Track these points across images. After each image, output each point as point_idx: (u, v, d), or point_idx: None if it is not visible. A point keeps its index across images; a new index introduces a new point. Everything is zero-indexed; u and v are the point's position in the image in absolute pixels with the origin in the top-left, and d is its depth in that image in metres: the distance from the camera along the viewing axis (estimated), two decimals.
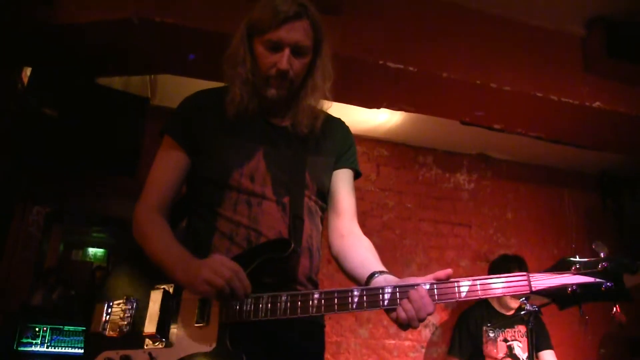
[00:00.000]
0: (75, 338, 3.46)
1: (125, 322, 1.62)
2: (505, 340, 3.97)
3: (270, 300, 1.51)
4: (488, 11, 3.61)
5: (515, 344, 3.95)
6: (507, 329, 3.99)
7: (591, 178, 5.63)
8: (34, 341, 3.39)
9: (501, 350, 3.95)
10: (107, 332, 1.64)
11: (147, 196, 1.76)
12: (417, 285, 1.44)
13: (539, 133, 4.25)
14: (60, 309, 3.69)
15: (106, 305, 1.68)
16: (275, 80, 1.70)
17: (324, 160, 1.83)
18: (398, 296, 1.44)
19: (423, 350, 4.71)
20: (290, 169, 1.74)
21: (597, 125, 3.98)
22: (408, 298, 1.43)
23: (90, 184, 3.88)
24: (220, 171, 1.71)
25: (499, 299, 4.09)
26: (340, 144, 1.89)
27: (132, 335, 1.60)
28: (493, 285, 1.43)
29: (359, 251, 1.73)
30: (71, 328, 3.47)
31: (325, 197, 1.83)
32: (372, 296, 1.47)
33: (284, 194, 1.71)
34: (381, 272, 1.58)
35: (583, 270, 1.40)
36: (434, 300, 1.43)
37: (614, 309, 1.32)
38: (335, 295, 1.48)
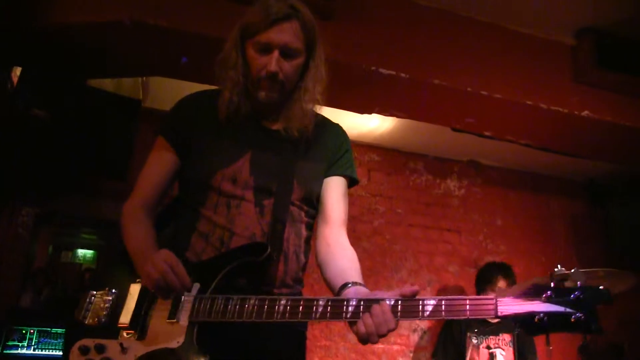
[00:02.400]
0: (63, 340, 3.43)
1: (105, 312, 1.66)
2: (488, 347, 3.97)
3: (239, 302, 1.51)
4: (480, 19, 3.63)
5: (497, 352, 3.95)
6: (491, 337, 4.00)
7: (579, 186, 5.68)
8: (20, 344, 3.36)
9: (483, 357, 3.96)
10: (86, 321, 1.67)
11: (134, 194, 1.80)
12: (382, 300, 1.42)
13: (528, 141, 4.28)
14: (48, 310, 3.67)
15: (89, 294, 1.71)
16: (266, 82, 1.70)
17: (314, 166, 1.82)
18: (361, 310, 1.43)
19: (411, 355, 4.72)
20: (277, 173, 1.74)
21: (586, 134, 4.01)
22: (370, 312, 1.41)
23: (80, 186, 3.86)
24: (204, 172, 1.73)
25: None
26: (334, 150, 1.88)
27: (109, 326, 1.63)
28: (458, 307, 1.39)
29: (340, 261, 1.72)
30: (59, 330, 3.43)
31: (313, 203, 1.82)
32: (336, 307, 1.45)
33: (266, 197, 1.71)
34: (354, 284, 1.57)
35: (554, 298, 1.33)
36: (396, 316, 1.40)
37: (585, 340, 1.23)
38: (301, 303, 1.48)
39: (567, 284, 1.36)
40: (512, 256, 5.17)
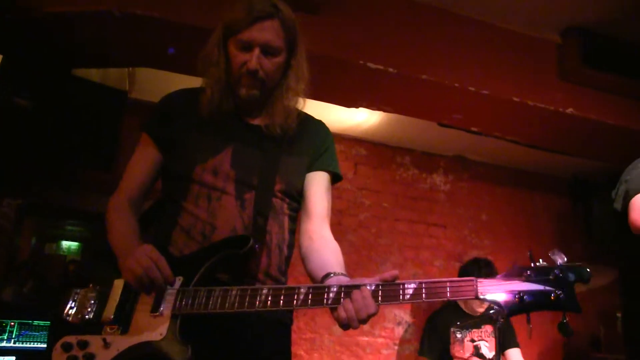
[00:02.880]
0: (44, 333, 3.41)
1: (88, 309, 1.66)
2: (472, 341, 4.03)
3: (221, 293, 1.53)
4: (468, 15, 3.64)
5: (482, 344, 4.01)
6: (474, 330, 4.05)
7: (563, 182, 5.74)
8: (0, 336, 3.34)
9: (468, 350, 4.01)
10: (70, 319, 1.67)
11: (120, 190, 1.83)
12: (362, 285, 1.44)
13: (514, 137, 4.32)
14: (32, 303, 3.64)
15: (74, 292, 1.72)
16: (246, 79, 1.74)
17: (297, 161, 1.84)
18: (342, 296, 1.45)
19: (396, 348, 4.76)
20: (260, 167, 1.77)
21: (570, 131, 4.06)
22: (350, 297, 1.43)
23: (65, 177, 3.83)
24: (185, 166, 1.76)
25: (466, 303, 4.15)
26: (317, 145, 1.90)
27: (93, 322, 1.63)
28: (439, 289, 1.41)
29: (323, 253, 1.73)
30: (40, 323, 3.42)
31: (296, 196, 1.84)
32: (317, 294, 1.47)
33: (248, 191, 1.73)
34: (336, 274, 1.59)
35: (534, 277, 1.37)
36: (377, 301, 1.42)
37: (565, 321, 1.26)
38: (283, 291, 1.50)
39: (547, 263, 1.39)
40: (496, 251, 5.23)
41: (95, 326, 1.63)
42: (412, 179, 5.25)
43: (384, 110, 3.98)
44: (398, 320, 4.82)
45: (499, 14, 3.65)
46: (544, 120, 3.91)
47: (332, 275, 1.59)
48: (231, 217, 1.70)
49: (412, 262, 4.99)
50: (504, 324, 3.43)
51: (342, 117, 4.57)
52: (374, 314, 1.43)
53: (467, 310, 4.17)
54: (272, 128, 1.80)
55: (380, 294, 1.43)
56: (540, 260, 1.42)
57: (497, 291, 1.37)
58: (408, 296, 1.42)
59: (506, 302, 1.36)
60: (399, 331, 4.81)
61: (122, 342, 1.56)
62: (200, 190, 1.73)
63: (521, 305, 1.35)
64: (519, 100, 3.67)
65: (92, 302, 1.67)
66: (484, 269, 4.16)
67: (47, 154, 3.35)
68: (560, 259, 1.39)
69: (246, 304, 1.50)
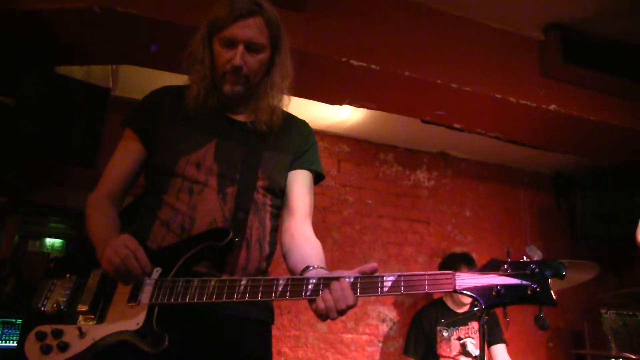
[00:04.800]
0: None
1: (64, 299, 1.67)
2: (459, 339, 4.03)
3: (200, 284, 1.55)
4: (451, 12, 3.67)
5: (468, 341, 4.02)
6: (461, 327, 4.06)
7: (545, 178, 5.80)
8: None
9: (454, 349, 4.02)
10: (45, 308, 1.67)
11: (100, 185, 1.83)
12: (341, 277, 1.47)
13: (497, 133, 4.36)
14: (13, 301, 3.60)
15: (49, 283, 1.72)
16: (231, 76, 1.76)
17: (280, 158, 1.86)
18: (321, 287, 1.47)
19: (380, 345, 4.78)
20: (242, 162, 1.78)
21: (552, 128, 4.11)
22: (329, 289, 1.45)
23: (48, 174, 3.80)
24: (168, 159, 1.77)
25: (452, 298, 4.18)
26: (300, 144, 1.92)
27: (68, 312, 1.64)
28: (417, 282, 1.44)
29: (304, 249, 1.76)
30: (20, 321, 3.39)
31: (278, 193, 1.86)
32: (296, 286, 1.50)
33: (229, 185, 1.75)
34: (315, 267, 1.61)
35: (511, 272, 1.41)
36: (356, 293, 1.45)
37: (541, 315, 1.32)
38: (262, 283, 1.52)
39: (523, 258, 1.44)
40: (479, 247, 5.27)
41: (70, 316, 1.63)
42: (396, 175, 5.27)
43: (367, 107, 3.99)
44: (382, 318, 4.84)
45: (481, 11, 3.68)
46: (527, 117, 3.95)
47: (311, 268, 1.61)
48: (212, 210, 1.71)
49: (395, 259, 5.01)
50: (491, 320, 3.44)
51: (325, 114, 4.58)
52: (352, 306, 1.45)
53: (452, 305, 4.19)
54: (257, 124, 1.82)
55: (358, 285, 1.46)
56: (524, 257, 1.46)
57: (475, 284, 1.41)
58: (386, 289, 1.45)
59: (483, 296, 1.40)
60: (384, 328, 4.83)
61: (98, 331, 1.56)
62: (183, 184, 1.74)
63: (498, 298, 1.39)
64: (501, 97, 3.71)
65: (68, 292, 1.68)
66: (464, 261, 4.18)
67: (29, 151, 3.33)
68: (537, 255, 1.43)
69: (225, 295, 1.52)
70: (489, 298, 1.40)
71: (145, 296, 1.57)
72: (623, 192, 5.15)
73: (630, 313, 4.53)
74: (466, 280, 1.42)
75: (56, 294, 1.69)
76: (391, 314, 4.88)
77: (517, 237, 5.53)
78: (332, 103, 3.98)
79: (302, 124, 2.00)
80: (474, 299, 1.41)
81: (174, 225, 1.71)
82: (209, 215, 1.70)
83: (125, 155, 1.85)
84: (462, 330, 4.05)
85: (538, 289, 1.39)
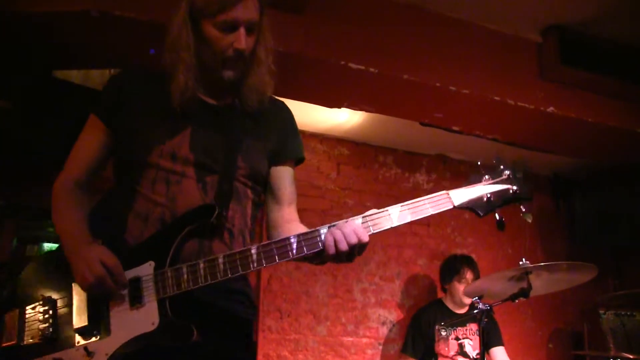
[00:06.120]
0: None
1: (47, 325, 1.53)
2: (457, 339, 4.04)
3: (207, 264, 1.49)
4: (449, 15, 3.67)
5: (466, 342, 4.03)
6: (459, 328, 4.07)
7: (544, 180, 5.79)
8: None
9: (452, 348, 4.03)
10: (25, 342, 1.53)
11: (65, 172, 1.76)
12: (351, 219, 1.55)
13: (496, 135, 4.35)
14: None
15: (18, 313, 1.58)
16: (233, 61, 1.66)
17: (261, 145, 1.77)
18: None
19: (380, 347, 4.77)
20: (220, 150, 1.69)
21: (551, 129, 4.11)
22: (337, 226, 1.53)
23: (47, 178, 3.79)
24: (141, 148, 1.66)
25: (453, 296, 4.18)
26: (282, 131, 1.85)
27: (60, 336, 1.52)
28: (421, 207, 1.57)
29: (297, 226, 1.77)
30: None
31: (259, 181, 1.79)
32: (309, 240, 1.52)
33: (208, 174, 1.66)
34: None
35: (492, 180, 1.63)
36: (369, 231, 1.53)
37: (522, 210, 1.69)
38: (273, 246, 1.51)
39: (497, 168, 1.68)
40: (479, 248, 5.27)
41: (62, 340, 1.50)
42: (395, 178, 5.27)
43: (366, 110, 3.99)
44: (382, 320, 4.83)
45: (480, 13, 3.68)
46: (525, 119, 3.95)
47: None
48: (193, 201, 1.61)
49: (395, 261, 5.00)
50: (489, 322, 3.45)
51: (324, 117, 4.57)
52: (365, 242, 1.51)
53: (452, 306, 4.20)
54: (245, 105, 1.74)
55: (369, 223, 1.54)
56: (482, 169, 1.70)
57: (469, 197, 1.60)
58: (396, 219, 1.55)
59: (478, 206, 1.61)
60: (384, 331, 4.82)
61: (108, 345, 1.46)
62: (158, 174, 1.64)
63: (489, 204, 1.63)
64: (500, 99, 3.70)
65: (49, 315, 1.54)
66: (466, 263, 4.19)
67: (27, 155, 3.31)
68: (504, 164, 1.67)
69: (239, 267, 1.49)
70: (483, 206, 1.61)
71: (149, 294, 1.48)
72: (622, 194, 5.16)
73: (629, 313, 4.54)
74: (460, 195, 1.60)
75: (33, 321, 1.54)
76: (391, 316, 4.87)
77: (516, 238, 5.52)
78: (330, 106, 3.97)
79: (282, 106, 1.91)
80: (472, 210, 1.61)
81: (152, 218, 1.61)
82: (190, 206, 1.60)
83: (91, 143, 1.76)
84: (460, 331, 4.06)
85: (517, 189, 1.64)
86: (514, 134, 4.31)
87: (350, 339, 4.68)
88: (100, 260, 1.47)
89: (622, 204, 5.07)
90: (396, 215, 1.54)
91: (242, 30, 1.63)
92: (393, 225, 1.55)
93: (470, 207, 1.61)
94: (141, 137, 1.67)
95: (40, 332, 1.52)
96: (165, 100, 1.68)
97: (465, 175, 1.70)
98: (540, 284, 3.00)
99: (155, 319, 1.45)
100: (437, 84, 3.56)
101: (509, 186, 1.64)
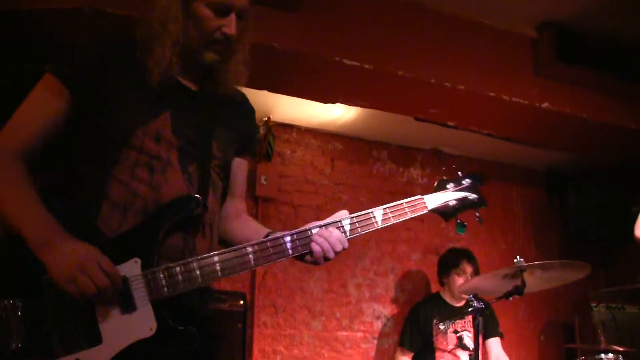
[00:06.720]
0: None
1: (14, 334, 1.30)
2: (456, 332, 4.05)
3: (201, 264, 1.45)
4: (444, 10, 3.66)
5: (465, 334, 4.04)
6: (458, 321, 4.06)
7: (538, 174, 5.81)
8: None
9: (451, 342, 4.04)
10: None
11: (8, 136, 1.51)
12: (340, 220, 1.62)
13: (490, 131, 4.37)
14: None
15: None
16: (219, 44, 1.59)
17: (231, 134, 1.71)
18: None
19: (375, 342, 4.79)
20: (198, 135, 1.60)
21: (545, 125, 4.12)
22: (323, 236, 1.59)
23: (43, 179, 3.76)
24: (120, 127, 1.51)
25: (451, 289, 4.18)
26: (247, 123, 1.83)
27: (33, 346, 1.31)
28: (401, 211, 1.69)
29: (253, 223, 1.79)
30: None
31: (227, 171, 1.74)
32: (303, 239, 1.57)
33: (190, 162, 1.56)
34: (275, 232, 1.63)
35: (455, 188, 1.81)
36: (357, 232, 1.64)
37: (477, 215, 1.92)
38: (269, 245, 1.53)
39: (458, 177, 1.86)
40: (473, 243, 5.27)
41: (38, 350, 1.31)
42: (389, 173, 5.26)
43: (361, 106, 3.99)
44: (377, 315, 4.84)
45: (475, 9, 3.68)
46: (520, 115, 3.96)
47: (272, 233, 1.63)
48: (179, 193, 1.52)
49: (389, 256, 5.01)
50: (487, 314, 3.47)
51: (318, 113, 4.56)
52: (344, 247, 1.62)
53: (449, 299, 4.20)
54: (218, 93, 1.67)
55: (356, 225, 1.63)
56: (444, 177, 1.87)
57: (439, 203, 1.77)
58: (379, 222, 1.66)
59: (445, 212, 1.79)
60: (378, 325, 4.84)
61: (101, 356, 1.33)
62: (139, 158, 1.50)
63: (454, 209, 1.81)
64: (495, 95, 3.71)
65: (16, 322, 1.31)
66: (465, 256, 4.19)
67: None
68: (460, 171, 1.86)
69: (237, 267, 1.48)
70: (448, 211, 1.79)
71: (141, 297, 1.37)
72: (615, 189, 5.19)
73: (619, 306, 4.59)
74: (433, 200, 1.77)
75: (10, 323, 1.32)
76: (385, 310, 4.88)
77: (510, 233, 5.54)
78: (325, 102, 3.96)
79: (243, 97, 1.84)
80: (440, 214, 1.79)
81: (134, 209, 1.47)
82: (175, 198, 1.51)
83: (46, 105, 1.53)
84: (458, 324, 4.07)
85: (475, 197, 1.83)
86: (508, 129, 4.33)
87: (345, 333, 4.70)
88: (100, 268, 1.33)
89: (616, 200, 5.09)
90: (380, 218, 1.65)
91: (233, 16, 1.57)
92: (376, 229, 1.66)
93: (440, 211, 1.78)
94: (122, 115, 1.52)
95: (5, 344, 1.30)
96: (142, 77, 1.53)
97: (460, 170, 1.86)
98: (533, 282, 3.00)
99: (153, 324, 1.36)
100: (432, 80, 3.55)
101: (468, 194, 1.82)
